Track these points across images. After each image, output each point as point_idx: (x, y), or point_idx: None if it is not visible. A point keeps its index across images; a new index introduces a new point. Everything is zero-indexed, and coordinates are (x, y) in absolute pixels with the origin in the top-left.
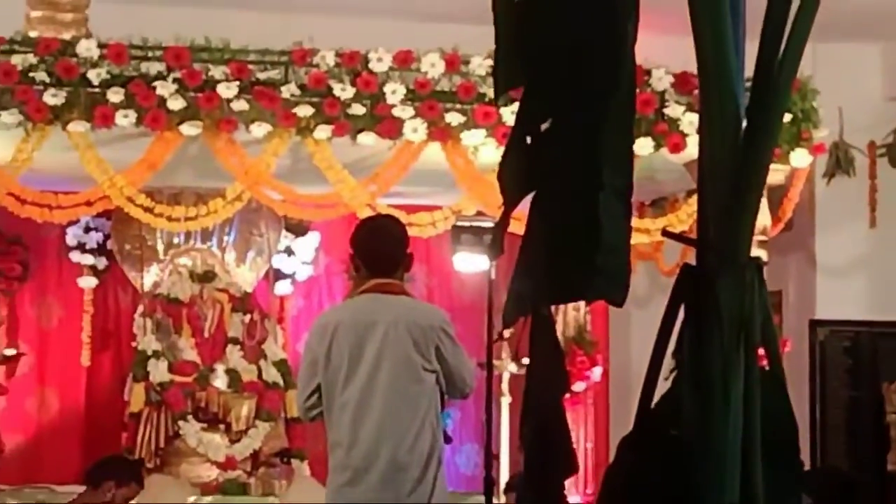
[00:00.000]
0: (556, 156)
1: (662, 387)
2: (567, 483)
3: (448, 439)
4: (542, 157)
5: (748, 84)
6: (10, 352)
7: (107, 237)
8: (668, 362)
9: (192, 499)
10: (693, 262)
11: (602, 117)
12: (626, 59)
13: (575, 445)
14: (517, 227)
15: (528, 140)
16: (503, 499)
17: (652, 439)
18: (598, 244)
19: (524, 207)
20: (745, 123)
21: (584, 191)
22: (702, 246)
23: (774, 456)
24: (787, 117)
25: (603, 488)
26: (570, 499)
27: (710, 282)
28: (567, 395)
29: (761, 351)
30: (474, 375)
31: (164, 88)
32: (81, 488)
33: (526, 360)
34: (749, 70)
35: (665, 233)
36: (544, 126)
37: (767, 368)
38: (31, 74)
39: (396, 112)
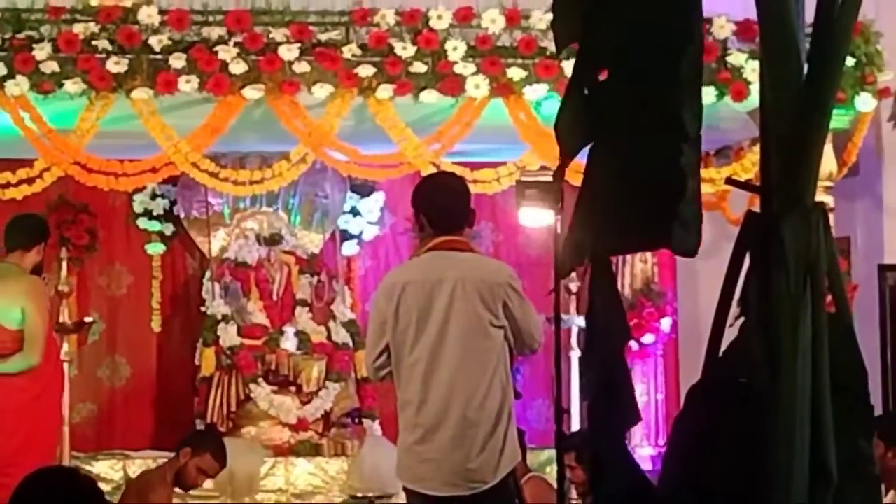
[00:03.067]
0: (629, 105)
1: (730, 335)
2: (639, 435)
3: (517, 395)
4: (611, 106)
5: (809, 29)
6: (89, 319)
7: (173, 203)
8: (735, 310)
9: (265, 461)
10: (758, 209)
11: (679, 67)
12: (699, 9)
13: (646, 397)
14: (579, 178)
15: (586, 91)
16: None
17: (720, 387)
18: (682, 194)
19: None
20: (806, 68)
21: (666, 140)
22: (766, 191)
23: (844, 400)
24: (851, 61)
25: (672, 436)
26: (643, 450)
27: (775, 226)
28: (631, 345)
29: (829, 298)
30: (542, 330)
31: (225, 53)
32: (155, 453)
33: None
34: (810, 15)
35: (729, 180)
36: (603, 76)
37: (835, 313)
38: (93, 43)
39: (458, 69)
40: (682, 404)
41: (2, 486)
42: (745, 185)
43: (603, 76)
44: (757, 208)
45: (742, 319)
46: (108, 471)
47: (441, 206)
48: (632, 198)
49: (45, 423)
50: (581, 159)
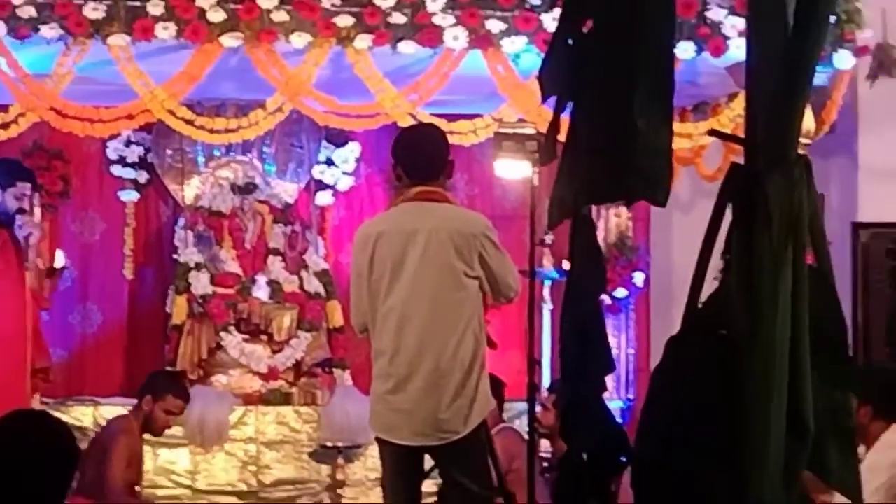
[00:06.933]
0: (601, 57)
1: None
2: (609, 388)
3: (493, 345)
4: (587, 57)
5: None
6: (59, 263)
7: (147, 151)
8: (714, 263)
9: (234, 409)
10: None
11: (638, 18)
12: None
13: (616, 351)
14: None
15: (570, 42)
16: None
17: (700, 338)
18: (636, 145)
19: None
20: (792, 24)
21: (621, 92)
22: (750, 144)
23: (823, 353)
24: (831, 19)
25: (652, 387)
26: (613, 404)
27: (759, 179)
28: (605, 297)
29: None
30: (518, 279)
31: (203, 1)
32: (126, 400)
33: (567, 266)
34: None
35: (713, 132)
36: (587, 27)
37: (815, 266)
38: None
39: (437, 20)
40: (662, 355)
41: None
42: (730, 136)
43: (587, 27)
44: (732, 164)
45: (722, 272)
46: (78, 417)
47: (417, 156)
48: (600, 150)
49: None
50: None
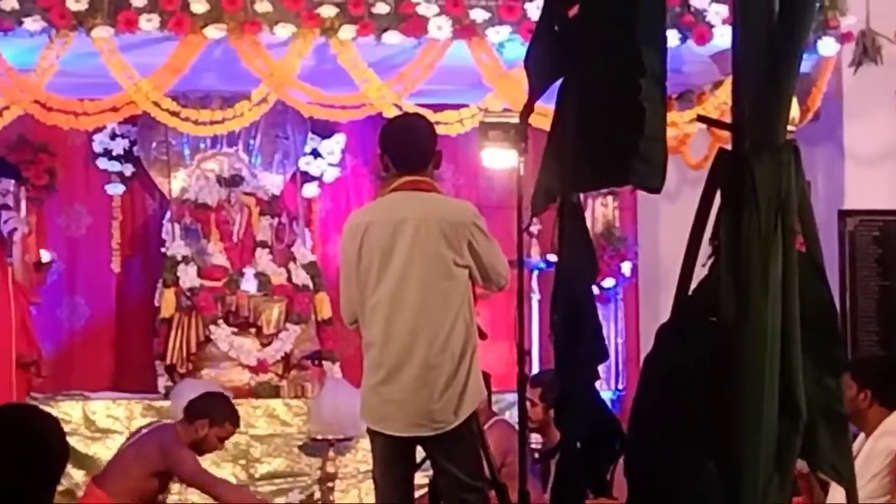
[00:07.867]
0: (593, 42)
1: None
2: (599, 379)
3: (484, 335)
4: (576, 43)
5: None
6: (46, 256)
7: (133, 143)
8: (704, 249)
9: None
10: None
11: (639, 2)
12: None
13: (606, 342)
14: (543, 122)
15: (557, 28)
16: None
17: (691, 326)
18: (642, 130)
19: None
20: (777, 6)
21: (625, 76)
22: (737, 129)
23: (813, 338)
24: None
25: (643, 375)
26: (603, 394)
27: (747, 164)
28: (596, 288)
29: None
30: (507, 267)
31: None
32: (115, 395)
33: (553, 256)
34: None
35: (700, 118)
36: (573, 12)
37: (805, 251)
38: None
39: (421, 10)
40: (653, 343)
41: None
42: (717, 122)
43: (573, 12)
44: (719, 149)
45: (712, 258)
46: (67, 412)
47: (403, 147)
48: (596, 135)
49: None
50: (546, 103)
